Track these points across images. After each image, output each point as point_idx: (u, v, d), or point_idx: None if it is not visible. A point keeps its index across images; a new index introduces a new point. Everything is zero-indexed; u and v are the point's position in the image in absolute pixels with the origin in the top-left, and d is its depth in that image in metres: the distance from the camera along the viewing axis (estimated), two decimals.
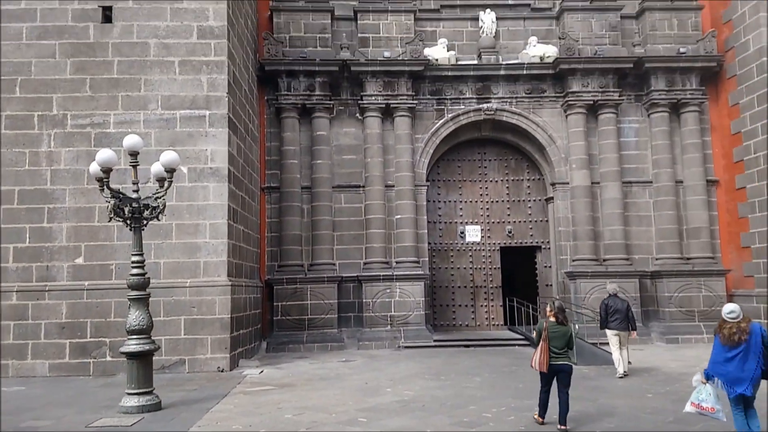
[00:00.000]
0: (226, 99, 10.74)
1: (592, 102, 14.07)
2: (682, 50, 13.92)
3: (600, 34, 14.25)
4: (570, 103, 14.14)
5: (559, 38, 14.30)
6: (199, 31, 10.81)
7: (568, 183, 14.21)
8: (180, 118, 10.67)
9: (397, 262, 13.68)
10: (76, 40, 10.53)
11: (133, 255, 7.56)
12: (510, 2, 14.91)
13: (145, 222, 7.68)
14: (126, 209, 7.49)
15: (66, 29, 10.54)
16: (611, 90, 14.06)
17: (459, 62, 14.40)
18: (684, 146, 14.13)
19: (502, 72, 14.27)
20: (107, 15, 10.61)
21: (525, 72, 14.27)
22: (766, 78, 12.76)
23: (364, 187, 13.99)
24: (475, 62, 14.43)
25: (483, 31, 14.55)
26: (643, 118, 14.40)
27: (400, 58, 13.95)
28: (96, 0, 10.57)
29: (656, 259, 13.98)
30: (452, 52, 14.44)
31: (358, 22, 14.31)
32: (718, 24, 14.28)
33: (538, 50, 14.31)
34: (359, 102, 14.08)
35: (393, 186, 13.98)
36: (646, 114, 14.36)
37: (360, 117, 14.21)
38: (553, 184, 14.52)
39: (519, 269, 16.03)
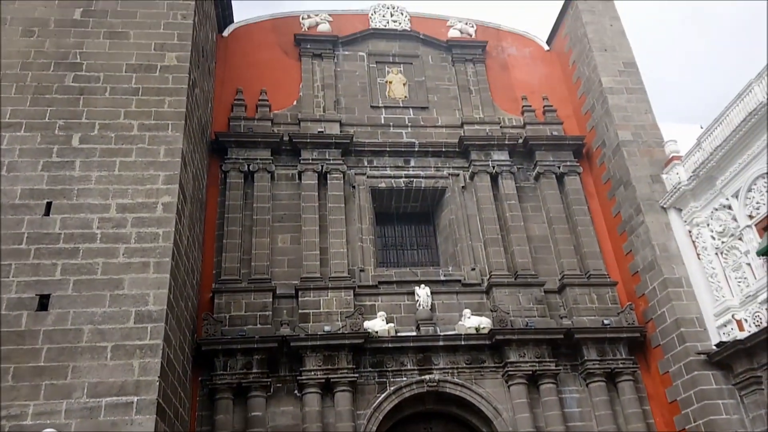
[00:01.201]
0: (157, 383, 10.30)
1: (531, 372, 14.24)
2: (606, 322, 14.81)
3: (528, 306, 15.14)
4: (510, 373, 14.26)
5: (491, 311, 15.04)
6: (136, 316, 10.81)
7: None
8: (105, 405, 10.03)
9: None
10: (7, 329, 10.25)
11: None
12: (442, 278, 15.91)
13: None
14: None
15: None
16: (547, 360, 14.40)
17: (398, 334, 14.68)
18: (626, 416, 14.08)
19: (441, 343, 14.55)
20: (44, 303, 10.56)
21: (463, 343, 14.59)
22: (688, 348, 13.50)
23: None
24: (414, 334, 14.76)
25: (419, 305, 15.19)
26: (582, 387, 14.54)
27: (340, 332, 14.15)
28: (34, 289, 10.64)
29: None
30: (391, 324, 14.81)
31: (299, 299, 14.78)
32: (633, 297, 15.50)
33: (473, 322, 14.88)
34: (298, 378, 13.76)
35: None
36: (584, 383, 14.54)
37: (299, 394, 13.75)
38: None
39: None
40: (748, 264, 13.26)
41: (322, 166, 16.61)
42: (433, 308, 15.26)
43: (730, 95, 13.86)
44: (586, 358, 14.49)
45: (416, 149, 17.43)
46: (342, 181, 16.60)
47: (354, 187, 16.83)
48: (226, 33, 19.16)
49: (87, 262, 11.08)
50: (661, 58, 46.38)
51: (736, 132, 13.26)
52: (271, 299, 14.60)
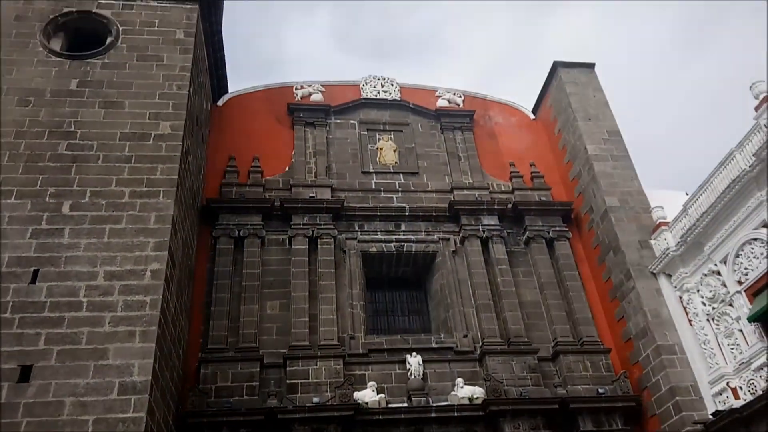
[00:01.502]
0: None
1: None
2: (600, 390, 14.52)
3: (522, 375, 14.84)
4: None
5: (485, 379, 14.72)
6: (120, 387, 10.48)
7: None
8: None
9: None
10: None
11: None
12: (434, 346, 15.65)
13: None
14: None
15: None
16: None
17: (389, 405, 14.27)
18: None
19: (434, 414, 14.11)
20: (25, 374, 10.25)
21: (456, 414, 14.16)
22: (684, 417, 13.22)
23: None
24: (406, 405, 14.35)
25: (411, 374, 14.85)
26: None
27: (329, 403, 13.74)
28: (17, 359, 10.27)
29: None
30: (382, 395, 14.40)
31: (288, 368, 14.41)
32: (627, 364, 15.26)
33: (466, 391, 14.52)
34: None
35: None
36: None
37: None
38: None
39: None
40: (740, 330, 13.18)
41: (312, 231, 16.64)
42: (425, 377, 14.93)
43: (714, 161, 14.14)
44: (582, 429, 14.09)
45: (407, 214, 17.57)
46: (332, 246, 16.59)
47: (345, 251, 16.80)
48: (220, 102, 19.61)
49: (72, 331, 10.85)
50: (644, 126, 47.80)
51: (720, 198, 13.48)
52: (258, 369, 14.25)
